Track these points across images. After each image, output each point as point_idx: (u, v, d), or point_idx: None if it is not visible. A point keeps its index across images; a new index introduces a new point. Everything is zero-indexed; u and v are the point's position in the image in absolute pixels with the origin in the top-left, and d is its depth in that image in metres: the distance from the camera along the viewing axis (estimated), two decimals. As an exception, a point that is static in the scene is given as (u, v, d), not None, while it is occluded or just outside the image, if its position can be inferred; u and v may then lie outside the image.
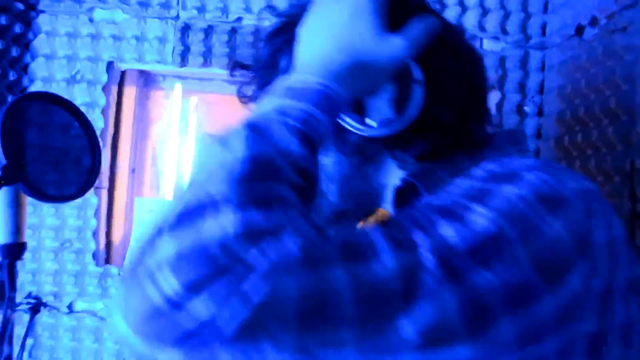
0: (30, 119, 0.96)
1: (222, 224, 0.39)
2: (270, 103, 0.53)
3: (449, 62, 0.68)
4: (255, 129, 0.48)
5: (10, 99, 1.54)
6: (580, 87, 1.38)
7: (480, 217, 0.46)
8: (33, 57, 1.64)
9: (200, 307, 0.37)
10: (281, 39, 0.72)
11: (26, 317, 1.61)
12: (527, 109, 1.62)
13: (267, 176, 0.45)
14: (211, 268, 0.37)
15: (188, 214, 0.40)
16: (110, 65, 1.66)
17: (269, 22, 1.61)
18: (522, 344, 0.44)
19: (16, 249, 1.03)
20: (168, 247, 0.39)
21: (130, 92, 1.74)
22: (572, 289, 0.47)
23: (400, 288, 0.41)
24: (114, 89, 1.70)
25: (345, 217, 0.75)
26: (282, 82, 0.56)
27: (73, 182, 1.02)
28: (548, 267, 0.46)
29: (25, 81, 1.64)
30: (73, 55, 1.64)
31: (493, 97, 1.64)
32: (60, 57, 1.64)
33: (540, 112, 1.61)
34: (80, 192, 1.03)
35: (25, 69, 1.64)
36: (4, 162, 0.91)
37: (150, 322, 0.38)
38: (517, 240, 0.45)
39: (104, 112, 1.66)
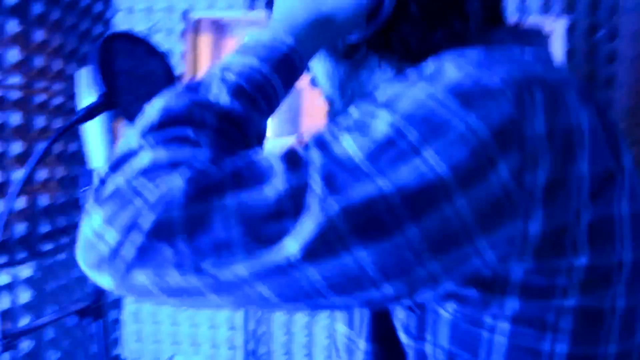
0: (119, 52, 1.07)
1: (134, 165, 0.44)
2: (225, 58, 0.54)
3: None
4: (191, 86, 0.50)
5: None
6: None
7: (381, 123, 0.44)
8: (114, 12, 1.77)
9: (110, 236, 0.42)
10: None
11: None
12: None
13: (181, 122, 0.47)
14: (120, 203, 0.42)
15: (118, 160, 0.45)
16: (184, 15, 1.76)
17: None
18: (436, 248, 0.42)
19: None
20: (105, 189, 0.44)
21: (205, 40, 1.85)
22: (496, 184, 0.42)
23: (286, 209, 0.41)
24: (190, 37, 1.81)
25: None
26: (252, 36, 0.56)
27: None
28: (459, 164, 0.41)
29: (109, 34, 1.77)
30: (150, 8, 1.76)
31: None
32: (139, 9, 1.76)
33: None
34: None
35: (107, 23, 1.77)
36: (103, 89, 1.03)
37: (86, 252, 0.45)
38: (418, 141, 0.42)
39: (182, 58, 1.77)
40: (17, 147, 1.41)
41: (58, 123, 1.56)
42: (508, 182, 0.43)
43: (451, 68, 0.47)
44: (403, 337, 0.54)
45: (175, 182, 0.42)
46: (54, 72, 1.53)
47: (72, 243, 1.02)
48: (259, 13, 1.74)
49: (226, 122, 0.48)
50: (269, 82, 0.52)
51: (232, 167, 0.43)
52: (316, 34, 0.57)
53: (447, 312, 0.50)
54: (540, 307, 0.47)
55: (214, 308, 0.48)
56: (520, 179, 0.43)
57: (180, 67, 1.76)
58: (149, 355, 2.00)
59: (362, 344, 0.61)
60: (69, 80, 1.61)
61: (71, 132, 1.06)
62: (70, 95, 1.58)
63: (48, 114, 1.54)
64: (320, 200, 0.41)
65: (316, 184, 0.41)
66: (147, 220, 0.41)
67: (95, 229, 0.43)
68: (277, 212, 0.41)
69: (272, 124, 0.61)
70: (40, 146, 1.45)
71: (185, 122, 0.47)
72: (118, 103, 1.04)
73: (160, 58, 1.17)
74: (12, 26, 1.36)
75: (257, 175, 0.42)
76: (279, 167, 0.43)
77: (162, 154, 0.44)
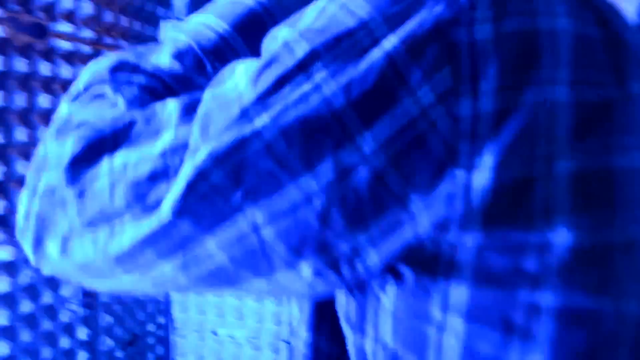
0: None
1: (54, 124, 0.43)
2: (195, 18, 0.48)
3: None
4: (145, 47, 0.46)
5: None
6: None
7: (275, 42, 0.35)
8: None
9: (22, 205, 0.41)
10: None
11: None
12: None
13: (103, 81, 0.43)
14: (33, 165, 0.42)
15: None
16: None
17: None
18: (350, 213, 0.32)
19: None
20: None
21: None
22: (415, 115, 0.31)
23: (169, 165, 0.35)
24: None
25: None
26: None
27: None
28: (359, 90, 0.32)
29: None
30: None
31: None
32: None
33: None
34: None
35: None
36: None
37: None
38: (307, 56, 0.33)
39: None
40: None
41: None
42: (433, 111, 0.31)
43: None
44: (345, 328, 0.43)
45: (68, 143, 0.38)
46: (121, 28, 1.50)
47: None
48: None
49: (157, 81, 0.42)
50: (224, 41, 0.44)
51: (129, 121, 0.37)
52: None
53: (388, 299, 0.37)
54: (502, 301, 0.32)
55: (129, 290, 0.42)
56: (452, 106, 0.31)
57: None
58: (193, 325, 1.98)
59: (302, 333, 0.51)
60: (135, 39, 1.58)
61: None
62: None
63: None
64: (190, 150, 0.34)
65: (195, 130, 0.34)
66: (41, 185, 0.38)
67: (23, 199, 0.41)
68: (161, 172, 0.35)
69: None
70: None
71: (108, 81, 0.41)
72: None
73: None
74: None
75: (152, 129, 0.36)
76: (175, 115, 0.36)
77: (73, 112, 0.40)
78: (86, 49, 1.34)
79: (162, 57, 0.43)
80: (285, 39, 0.34)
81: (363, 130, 0.31)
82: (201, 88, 0.39)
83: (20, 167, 1.14)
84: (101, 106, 0.40)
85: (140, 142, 0.37)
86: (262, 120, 0.33)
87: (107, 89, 0.41)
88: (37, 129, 1.19)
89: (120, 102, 0.40)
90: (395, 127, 0.31)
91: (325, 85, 0.32)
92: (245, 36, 0.45)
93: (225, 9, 0.45)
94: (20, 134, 1.16)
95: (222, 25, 0.44)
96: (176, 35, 0.45)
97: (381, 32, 0.32)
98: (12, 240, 1.12)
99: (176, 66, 0.43)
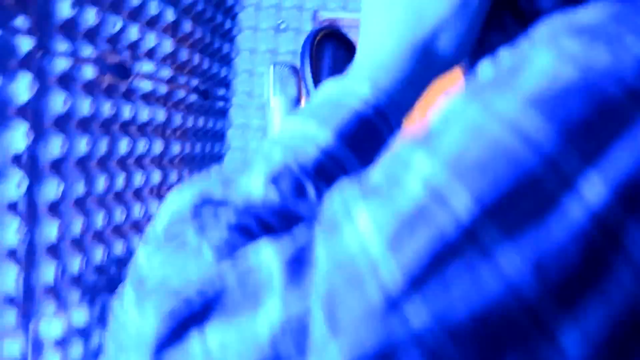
0: (325, 50, 0.97)
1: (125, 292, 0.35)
2: (285, 121, 0.38)
3: None
4: (232, 168, 0.36)
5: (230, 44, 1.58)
6: None
7: (412, 179, 0.25)
8: (242, 7, 1.68)
9: None
10: None
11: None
12: None
13: (185, 220, 0.34)
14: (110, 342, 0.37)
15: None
16: (314, 14, 1.67)
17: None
18: None
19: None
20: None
21: (334, 41, 1.75)
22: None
23: (283, 354, 0.25)
24: (318, 38, 1.72)
25: None
26: (323, 89, 0.40)
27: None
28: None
29: (234, 30, 1.68)
30: (279, 5, 1.67)
31: None
32: (268, 6, 1.67)
33: None
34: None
35: (235, 17, 1.68)
36: (313, 89, 0.93)
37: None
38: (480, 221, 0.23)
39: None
40: (157, 147, 1.31)
41: (193, 122, 1.47)
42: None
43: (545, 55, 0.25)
44: None
45: (149, 315, 0.28)
46: (193, 66, 1.44)
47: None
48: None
49: (249, 217, 0.32)
50: (329, 157, 0.35)
51: (221, 287, 0.27)
52: (412, 72, 0.38)
53: None
54: None
55: None
56: None
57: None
58: None
59: None
60: (204, 76, 1.52)
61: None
62: (203, 92, 1.49)
63: (185, 111, 1.44)
64: (316, 348, 0.25)
65: (317, 311, 0.25)
66: None
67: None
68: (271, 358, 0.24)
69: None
70: (177, 146, 1.35)
71: (190, 221, 0.32)
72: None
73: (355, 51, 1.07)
74: (169, 15, 1.27)
75: (249, 294, 0.27)
76: (278, 277, 0.27)
77: (152, 265, 0.31)
78: (163, 88, 1.28)
79: (253, 183, 0.34)
80: (426, 178, 0.24)
81: (565, 323, 0.22)
82: (303, 219, 0.30)
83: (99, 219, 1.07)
84: (184, 257, 0.32)
85: (237, 313, 0.28)
86: (419, 317, 0.23)
87: (190, 232, 0.33)
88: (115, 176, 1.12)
89: (206, 251, 0.31)
90: (611, 314, 0.22)
91: (506, 263, 0.22)
92: (354, 148, 0.36)
93: (328, 114, 0.36)
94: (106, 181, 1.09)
95: (325, 137, 0.35)
96: (270, 151, 0.35)
97: (578, 176, 0.22)
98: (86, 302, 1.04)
99: (271, 194, 0.33)
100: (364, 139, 0.36)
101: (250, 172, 0.33)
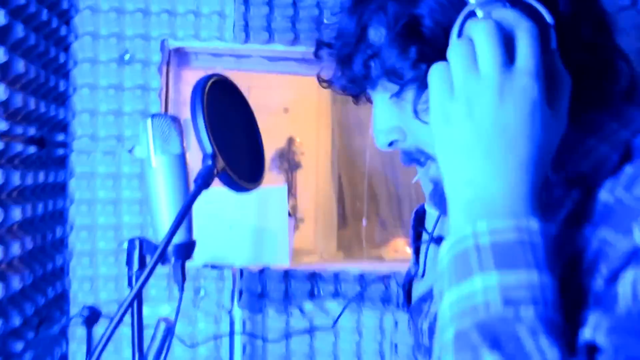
0: (214, 100, 0.83)
1: None
2: (481, 280, 0.45)
3: None
4: (494, 342, 0.43)
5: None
6: None
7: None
8: (76, 36, 1.44)
9: None
10: (372, 6, 0.62)
11: (81, 331, 1.45)
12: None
13: None
14: None
15: None
16: (162, 44, 1.49)
17: (332, -7, 1.53)
18: None
19: (188, 247, 0.91)
20: None
21: (190, 74, 1.59)
22: None
23: None
24: (169, 69, 1.54)
25: None
26: (466, 239, 0.46)
27: (255, 170, 0.91)
28: None
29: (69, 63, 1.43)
30: (120, 35, 1.46)
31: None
32: (105, 35, 1.45)
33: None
34: (260, 180, 0.91)
35: (67, 48, 1.43)
36: (210, 149, 0.79)
37: None
38: None
39: (159, 95, 1.50)
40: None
41: (28, 179, 1.21)
42: None
43: None
44: None
45: None
46: (28, 111, 1.19)
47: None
48: (252, 45, 1.53)
49: None
50: (555, 294, 0.44)
51: None
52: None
53: None
54: None
55: None
56: None
57: (155, 105, 1.49)
58: None
59: None
60: (39, 121, 1.27)
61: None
62: (39, 140, 1.24)
63: (23, 167, 1.19)
64: None
65: None
66: None
67: None
68: None
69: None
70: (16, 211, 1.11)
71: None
72: (228, 164, 0.81)
73: (243, 101, 0.94)
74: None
75: None
76: None
77: None
78: (-4, 144, 1.03)
79: (550, 354, 0.42)
80: None
81: None
82: None
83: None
84: None
85: None
86: None
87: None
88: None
89: None
90: None
91: None
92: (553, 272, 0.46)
93: (530, 256, 0.45)
94: None
95: (546, 278, 0.45)
96: (523, 313, 0.43)
97: None
98: None
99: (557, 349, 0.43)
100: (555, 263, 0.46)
101: (527, 341, 0.42)
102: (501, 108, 0.46)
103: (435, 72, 0.49)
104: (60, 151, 1.41)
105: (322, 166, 2.65)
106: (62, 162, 1.42)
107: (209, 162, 0.77)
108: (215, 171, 0.77)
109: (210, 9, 1.49)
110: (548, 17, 0.54)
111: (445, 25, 0.56)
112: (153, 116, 0.86)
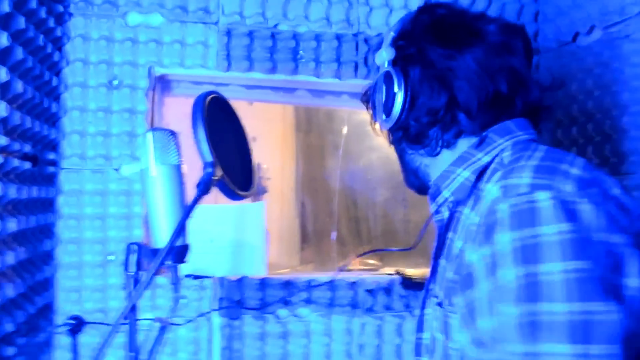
0: (213, 115, 0.87)
1: None
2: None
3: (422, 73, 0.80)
4: None
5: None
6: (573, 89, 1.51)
7: None
8: (67, 62, 1.45)
9: None
10: (413, 48, 0.80)
11: (66, 340, 1.43)
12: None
13: None
14: None
15: None
16: (150, 71, 1.52)
17: (306, 28, 1.60)
18: None
19: (183, 251, 0.93)
20: None
21: (174, 101, 1.61)
22: None
23: None
24: (155, 95, 1.56)
25: (420, 192, 0.91)
26: None
27: (247, 179, 0.94)
28: None
29: (61, 87, 1.44)
30: (109, 61, 1.48)
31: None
32: (95, 62, 1.47)
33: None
34: (252, 189, 0.95)
35: (59, 73, 1.45)
36: (210, 158, 0.82)
37: None
38: None
39: (145, 119, 1.52)
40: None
41: (23, 192, 1.21)
42: None
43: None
44: None
45: None
46: (24, 129, 1.19)
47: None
48: (234, 73, 1.58)
49: None
50: None
51: None
52: None
53: None
54: None
55: None
56: None
57: (141, 127, 1.51)
58: None
59: None
60: (33, 139, 1.27)
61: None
62: (32, 157, 1.24)
63: (17, 181, 1.18)
64: None
65: None
66: None
67: None
68: None
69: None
70: (12, 223, 1.11)
71: None
72: (225, 171, 0.84)
73: (236, 117, 0.98)
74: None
75: None
76: None
77: None
78: (-2, 158, 1.03)
79: None
80: None
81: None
82: None
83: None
84: None
85: None
86: None
87: None
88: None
89: None
90: None
91: None
92: None
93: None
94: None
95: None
96: None
97: None
98: None
99: None
100: None
101: None
102: None
103: None
104: (51, 169, 1.41)
105: (287, 191, 2.69)
106: (51, 180, 1.42)
107: (209, 170, 0.81)
108: (214, 179, 0.81)
109: (194, 39, 1.53)
110: (396, 86, 0.80)
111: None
112: (154, 129, 0.89)
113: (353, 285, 1.56)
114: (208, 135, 0.82)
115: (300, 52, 1.60)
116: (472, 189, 0.74)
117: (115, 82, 1.48)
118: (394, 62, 0.79)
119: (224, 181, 0.84)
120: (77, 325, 1.47)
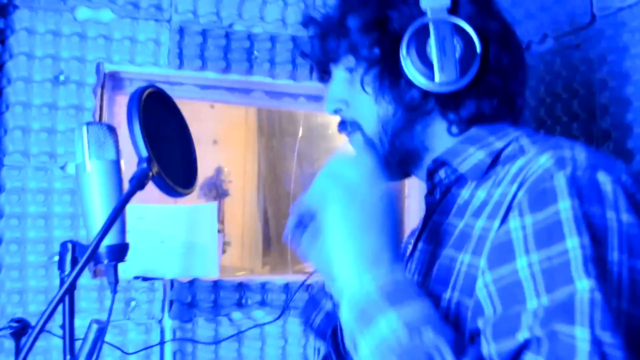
0: (149, 109, 0.80)
1: None
2: (385, 321, 0.56)
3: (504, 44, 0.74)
4: None
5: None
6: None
7: None
8: (11, 56, 1.35)
9: None
10: (356, 1, 0.74)
11: (9, 343, 1.32)
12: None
13: None
14: None
15: None
16: (98, 67, 1.43)
17: (261, 29, 1.53)
18: None
19: (121, 250, 0.85)
20: None
21: (123, 99, 1.52)
22: None
23: None
24: (104, 92, 1.47)
25: (389, 170, 0.76)
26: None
27: (188, 176, 0.87)
28: None
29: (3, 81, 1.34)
30: (55, 56, 1.39)
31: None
32: (40, 56, 1.37)
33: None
34: (193, 186, 0.88)
35: (1, 68, 1.34)
36: (145, 153, 0.75)
37: None
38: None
39: (93, 116, 1.42)
40: None
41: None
42: None
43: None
44: None
45: None
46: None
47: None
48: (186, 72, 1.50)
49: None
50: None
51: None
52: None
53: None
54: None
55: None
56: None
57: (89, 124, 1.41)
58: None
59: None
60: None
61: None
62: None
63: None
64: None
65: None
66: None
67: None
68: None
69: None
70: None
71: None
72: (162, 167, 0.77)
73: (178, 113, 0.91)
74: None
75: None
76: None
77: None
78: None
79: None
80: None
81: None
82: None
83: None
84: None
85: None
86: None
87: None
88: None
89: None
90: None
91: None
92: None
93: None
94: None
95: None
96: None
97: None
98: None
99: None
100: None
101: None
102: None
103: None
104: (-9, 166, 1.30)
105: (249, 193, 2.61)
106: (-8, 177, 1.31)
107: (144, 166, 0.73)
108: (150, 174, 0.74)
109: (146, 36, 1.45)
110: (478, 47, 0.71)
111: (405, 30, 0.70)
112: (89, 124, 0.81)
113: (308, 287, 1.50)
114: (143, 130, 0.74)
115: (255, 52, 1.54)
116: (487, 171, 0.69)
117: (61, 78, 1.39)
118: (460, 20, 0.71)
119: (161, 177, 0.76)
120: (21, 328, 1.36)
